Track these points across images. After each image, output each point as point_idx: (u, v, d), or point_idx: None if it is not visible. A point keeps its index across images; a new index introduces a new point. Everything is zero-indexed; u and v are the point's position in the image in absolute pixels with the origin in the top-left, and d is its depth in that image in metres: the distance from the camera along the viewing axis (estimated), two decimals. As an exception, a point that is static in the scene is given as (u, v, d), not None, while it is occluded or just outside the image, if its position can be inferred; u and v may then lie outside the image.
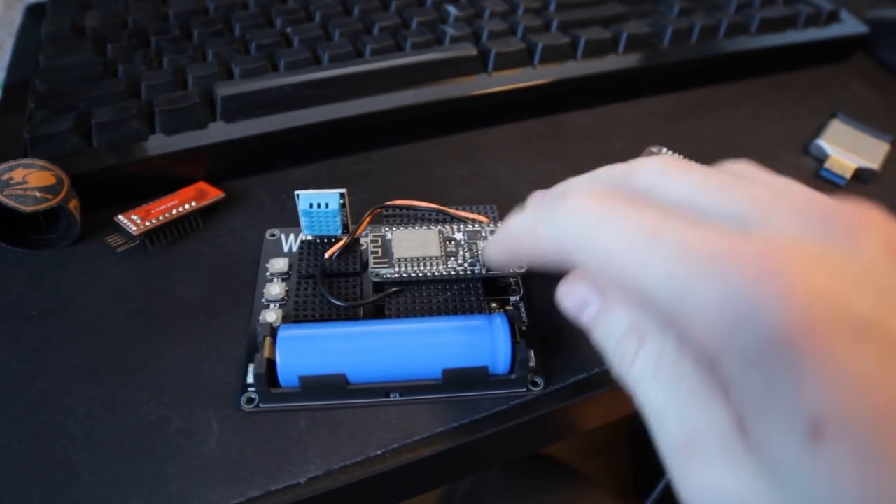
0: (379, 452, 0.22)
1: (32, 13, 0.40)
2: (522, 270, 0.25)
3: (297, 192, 0.26)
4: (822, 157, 0.35)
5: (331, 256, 0.26)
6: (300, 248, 0.27)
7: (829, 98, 0.39)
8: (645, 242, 0.15)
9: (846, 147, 0.35)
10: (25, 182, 0.27)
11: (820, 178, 0.34)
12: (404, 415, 0.23)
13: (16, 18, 0.45)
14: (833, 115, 0.37)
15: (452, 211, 0.28)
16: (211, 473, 0.21)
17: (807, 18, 0.41)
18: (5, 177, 0.27)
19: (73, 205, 0.28)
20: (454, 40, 0.36)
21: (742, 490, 0.15)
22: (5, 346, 0.25)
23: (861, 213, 0.15)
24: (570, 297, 0.20)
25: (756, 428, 0.14)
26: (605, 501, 0.47)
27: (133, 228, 0.28)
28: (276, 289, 0.26)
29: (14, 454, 0.22)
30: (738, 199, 0.16)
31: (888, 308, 0.13)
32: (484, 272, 0.25)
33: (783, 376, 0.13)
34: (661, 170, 0.18)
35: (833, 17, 0.42)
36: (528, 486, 0.47)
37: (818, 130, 0.36)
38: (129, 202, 0.29)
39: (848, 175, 0.33)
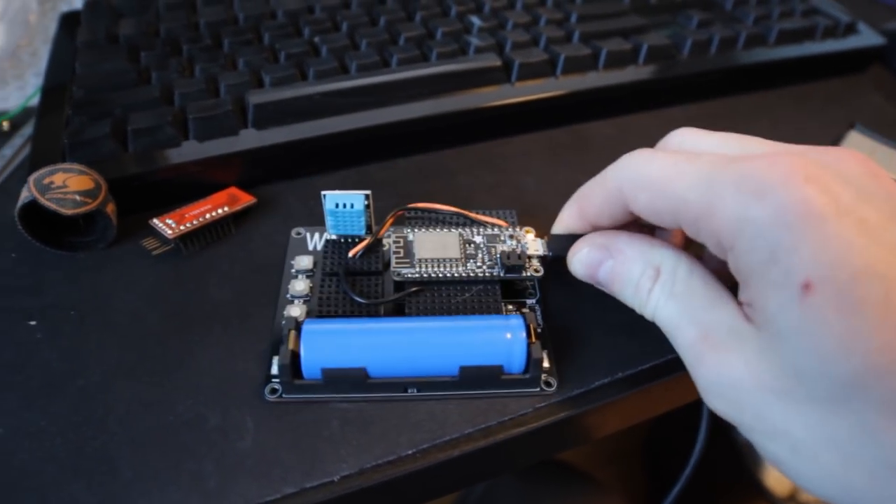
0: (410, 452, 0.22)
1: (66, 22, 0.41)
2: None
3: (323, 192, 0.26)
4: (840, 169, 0.35)
5: (354, 255, 0.27)
6: (325, 246, 0.28)
7: (846, 110, 0.40)
8: (684, 163, 0.20)
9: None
10: (65, 186, 0.28)
11: (838, 188, 0.34)
12: (434, 416, 0.23)
13: (49, 26, 0.46)
14: (851, 127, 0.37)
15: (473, 214, 0.28)
16: (247, 470, 0.22)
17: (824, 30, 0.42)
18: (46, 181, 0.28)
19: (111, 208, 0.29)
20: (478, 51, 0.37)
21: (748, 366, 0.18)
22: (46, 345, 0.26)
23: (848, 150, 0.19)
24: (583, 260, 0.24)
25: (758, 297, 0.18)
26: (617, 504, 0.47)
27: (168, 232, 0.28)
28: (300, 285, 0.27)
29: (57, 449, 0.23)
30: (752, 145, 0.21)
31: (865, 201, 0.17)
32: (502, 275, 0.26)
33: (783, 247, 0.17)
34: (689, 133, 0.23)
35: (851, 29, 0.43)
36: (541, 491, 0.47)
37: (836, 142, 0.36)
38: (163, 206, 0.30)
39: (866, 186, 0.34)
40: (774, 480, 0.73)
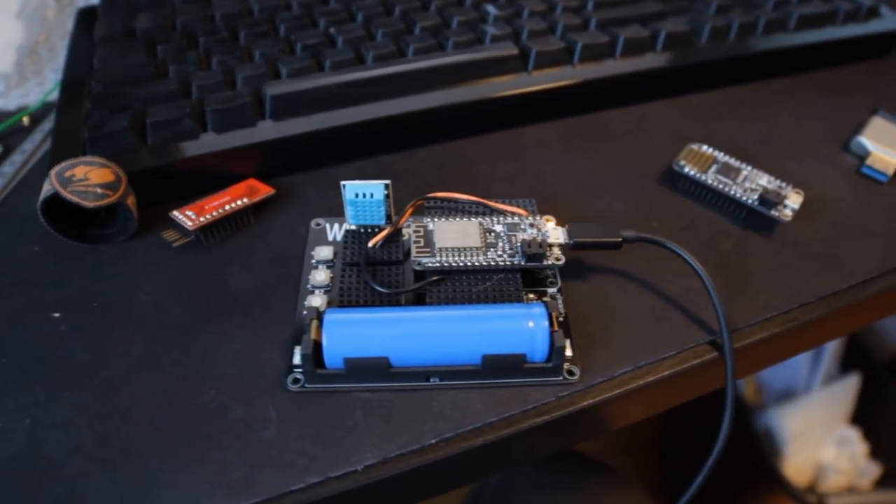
0: (433, 441, 0.22)
1: (84, 17, 0.41)
2: None
3: (343, 182, 0.26)
4: (863, 154, 0.34)
5: (374, 245, 0.27)
6: (345, 236, 0.28)
7: (869, 94, 0.39)
8: None
9: (888, 143, 0.35)
10: (87, 179, 0.28)
11: (861, 175, 0.34)
12: (457, 404, 0.23)
13: (66, 22, 0.46)
14: (874, 112, 0.37)
15: (492, 203, 0.28)
16: (272, 460, 0.22)
17: (846, 14, 0.41)
18: (68, 174, 0.28)
19: (131, 201, 0.29)
20: (495, 39, 0.36)
21: None
22: (71, 337, 0.26)
23: None
24: None
25: None
26: (636, 497, 0.47)
27: (188, 224, 0.28)
28: (321, 275, 0.27)
29: (84, 440, 0.23)
30: None
31: None
32: (523, 263, 0.26)
33: None
34: None
35: (873, 13, 0.42)
36: (557, 481, 0.47)
37: (859, 127, 0.36)
38: (182, 198, 0.30)
39: (890, 172, 0.33)
40: (794, 471, 0.73)
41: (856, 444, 0.75)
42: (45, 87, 0.42)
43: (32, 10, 0.45)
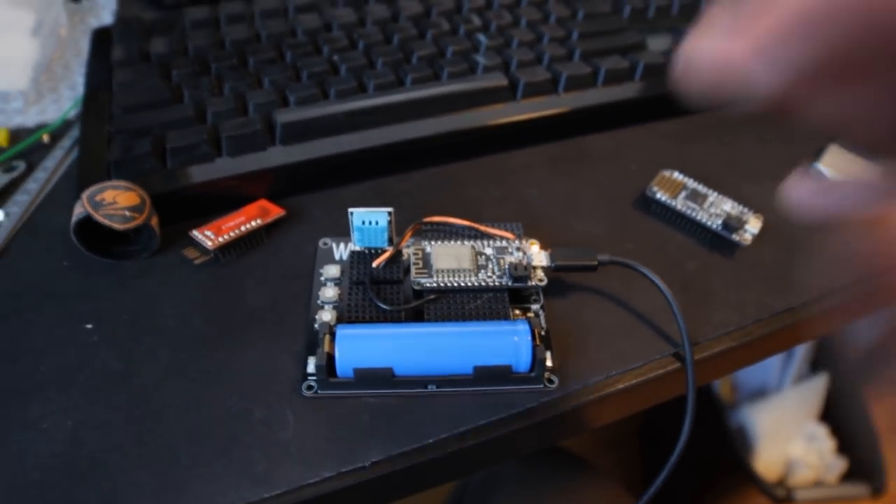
0: (431, 441, 0.26)
1: (98, 37, 0.44)
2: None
3: (350, 210, 0.29)
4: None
5: (378, 265, 0.30)
6: (350, 257, 0.31)
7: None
8: None
9: (843, 169, 0.38)
10: (115, 203, 0.31)
11: (818, 198, 0.37)
12: (452, 410, 0.27)
13: (80, 38, 0.49)
14: (831, 139, 0.40)
15: (482, 228, 0.31)
16: (290, 457, 0.25)
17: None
18: (98, 198, 0.31)
19: (154, 221, 0.32)
20: (486, 70, 0.39)
21: None
22: (104, 347, 0.29)
23: None
24: (831, 197, 0.18)
25: None
26: (613, 491, 0.50)
27: (208, 244, 0.31)
28: (329, 292, 0.30)
29: (121, 439, 0.26)
30: None
31: None
32: (510, 284, 0.29)
33: None
34: None
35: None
36: (539, 476, 0.50)
37: (818, 153, 0.39)
38: (197, 217, 0.33)
39: (843, 196, 0.37)
40: (764, 466, 0.77)
41: (823, 441, 0.79)
42: (60, 103, 0.44)
43: (47, 29, 0.47)
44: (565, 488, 0.49)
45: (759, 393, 0.82)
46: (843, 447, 0.79)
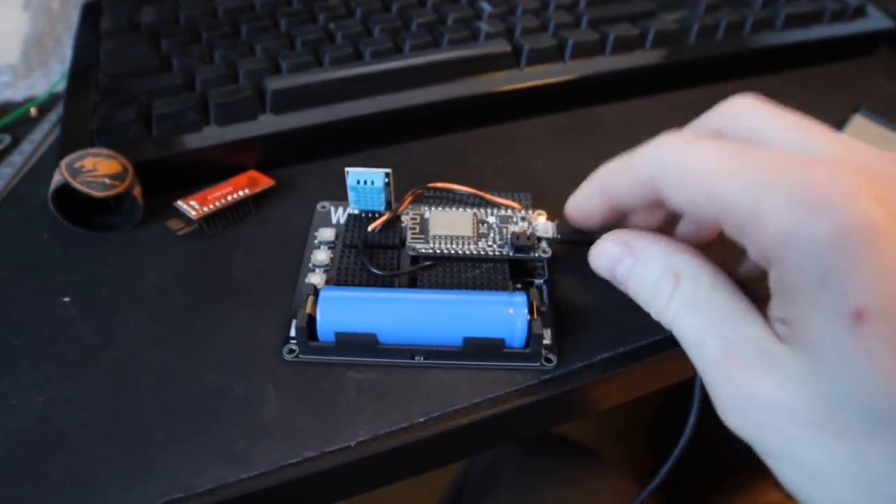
0: (421, 420, 0.24)
1: (89, 10, 0.42)
2: (596, 223, 0.25)
3: (346, 169, 0.28)
4: (843, 151, 0.36)
5: (373, 230, 0.28)
6: (347, 220, 0.29)
7: (852, 93, 0.40)
8: (729, 159, 0.18)
9: (867, 141, 0.36)
10: (95, 170, 0.29)
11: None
12: (444, 386, 0.25)
13: (71, 13, 0.47)
14: (855, 110, 0.38)
15: (488, 196, 0.30)
16: (270, 435, 0.24)
17: (833, 13, 0.42)
18: (77, 165, 0.29)
19: (137, 191, 0.30)
20: (488, 36, 0.38)
21: (779, 390, 0.17)
22: (81, 319, 0.27)
23: None
24: (604, 256, 0.23)
25: (802, 318, 0.17)
26: (619, 482, 0.49)
27: (192, 213, 0.30)
28: (322, 255, 0.29)
29: (93, 415, 0.24)
30: (814, 139, 0.19)
31: None
32: (511, 254, 0.27)
33: (839, 268, 0.15)
34: (746, 108, 0.21)
35: (859, 13, 0.43)
36: (544, 465, 0.48)
37: (840, 125, 0.37)
38: (185, 188, 0.32)
39: (868, 169, 0.35)
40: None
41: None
42: (50, 77, 0.43)
43: (38, 2, 0.46)
44: (570, 478, 0.48)
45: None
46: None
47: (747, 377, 0.18)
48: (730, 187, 0.18)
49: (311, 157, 0.34)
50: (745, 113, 0.21)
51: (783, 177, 0.17)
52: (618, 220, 0.25)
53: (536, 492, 0.45)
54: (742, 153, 0.18)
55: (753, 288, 0.20)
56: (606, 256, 0.23)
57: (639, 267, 0.22)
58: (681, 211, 0.20)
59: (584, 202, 0.24)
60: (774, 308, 0.18)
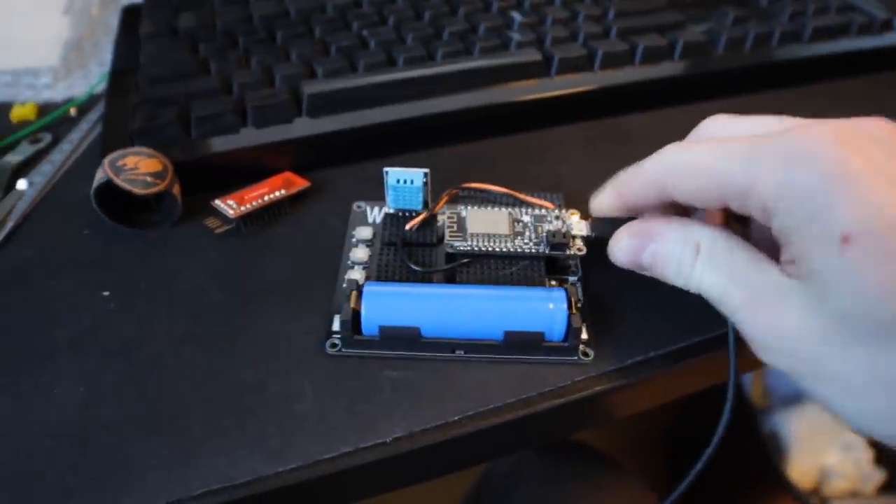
0: (456, 418, 0.24)
1: (128, 15, 0.44)
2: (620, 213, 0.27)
3: (385, 169, 0.28)
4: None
5: (411, 228, 0.29)
6: (384, 219, 0.30)
7: (879, 106, 0.40)
8: (722, 149, 0.22)
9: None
10: (137, 168, 0.30)
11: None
12: (479, 385, 0.25)
13: (110, 18, 0.48)
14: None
15: (522, 196, 0.30)
16: (306, 431, 0.24)
17: (860, 27, 0.42)
18: (119, 163, 0.30)
19: (177, 189, 0.31)
20: (519, 46, 0.38)
21: (798, 317, 0.20)
22: (120, 314, 0.28)
23: (874, 118, 0.21)
24: (625, 248, 0.25)
25: (802, 252, 0.20)
26: (638, 490, 0.48)
27: (230, 212, 0.30)
28: (360, 253, 0.29)
29: (132, 407, 0.25)
30: (784, 122, 0.23)
31: (894, 160, 0.19)
32: (547, 252, 0.28)
33: (824, 203, 0.19)
34: (721, 120, 0.25)
35: (886, 26, 0.43)
36: (565, 472, 0.48)
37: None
38: (221, 188, 0.32)
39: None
40: (797, 473, 0.74)
41: (860, 451, 0.75)
42: (89, 79, 0.44)
43: (79, 7, 0.47)
44: (590, 484, 0.48)
45: (794, 398, 0.79)
46: (882, 458, 0.76)
47: (770, 314, 0.21)
48: (727, 168, 0.21)
49: (344, 161, 0.35)
50: (722, 124, 0.25)
51: (767, 146, 0.20)
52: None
53: (557, 498, 0.45)
54: (731, 142, 0.22)
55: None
56: (627, 249, 0.25)
57: (661, 248, 0.24)
58: (689, 203, 0.23)
59: (602, 207, 0.27)
60: (782, 254, 0.21)
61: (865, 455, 0.75)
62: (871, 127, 0.20)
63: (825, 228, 0.19)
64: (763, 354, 0.22)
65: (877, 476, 0.74)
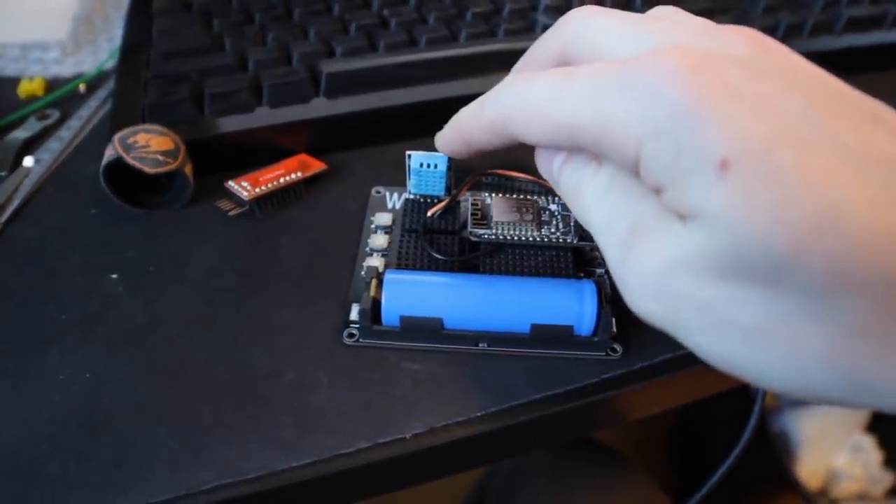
0: (478, 414, 0.23)
1: (140, -13, 0.42)
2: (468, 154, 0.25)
3: (408, 152, 0.27)
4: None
5: (433, 214, 0.28)
6: (404, 205, 0.29)
7: (915, 101, 0.39)
8: (563, 85, 0.19)
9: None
10: (148, 146, 0.29)
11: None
12: (502, 381, 0.24)
13: (120, -9, 0.47)
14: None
15: (548, 184, 0.29)
16: (322, 424, 0.23)
17: (894, 18, 0.41)
18: (130, 140, 0.29)
19: (188, 169, 0.30)
20: (545, 28, 0.37)
21: (683, 250, 0.17)
22: (128, 297, 0.27)
23: (738, 29, 0.19)
24: (543, 158, 0.22)
25: (679, 192, 0.17)
26: (648, 488, 0.48)
27: (244, 194, 0.29)
28: (379, 239, 0.28)
29: (140, 394, 0.24)
30: (643, 33, 0.19)
31: (759, 78, 0.16)
32: (575, 242, 0.27)
33: (687, 135, 0.16)
34: (581, 25, 0.21)
35: (922, 19, 0.42)
36: (573, 468, 0.48)
37: None
38: (234, 169, 0.31)
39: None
40: (806, 474, 0.73)
41: (870, 452, 0.75)
42: (98, 55, 0.43)
43: (88, -21, 0.46)
44: (599, 482, 0.47)
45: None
46: (891, 460, 0.75)
47: (652, 247, 0.18)
48: (571, 110, 0.18)
49: (361, 143, 0.34)
50: (582, 27, 0.21)
51: (610, 83, 0.18)
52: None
53: (566, 494, 0.44)
54: (571, 75, 0.19)
55: None
56: (545, 158, 0.22)
57: (568, 162, 0.21)
58: (541, 147, 0.21)
59: (449, 146, 0.25)
60: (662, 202, 0.18)
61: (875, 457, 0.74)
62: (733, 45, 0.18)
63: (697, 158, 0.16)
64: (641, 303, 0.18)
65: (886, 479, 0.73)
